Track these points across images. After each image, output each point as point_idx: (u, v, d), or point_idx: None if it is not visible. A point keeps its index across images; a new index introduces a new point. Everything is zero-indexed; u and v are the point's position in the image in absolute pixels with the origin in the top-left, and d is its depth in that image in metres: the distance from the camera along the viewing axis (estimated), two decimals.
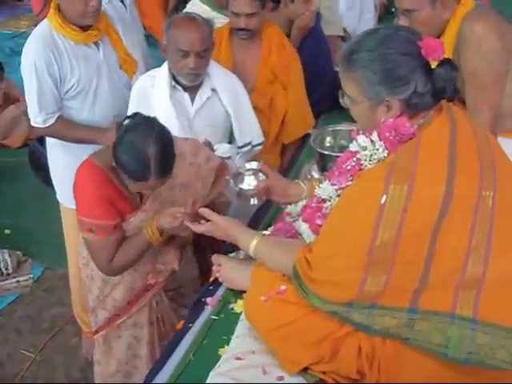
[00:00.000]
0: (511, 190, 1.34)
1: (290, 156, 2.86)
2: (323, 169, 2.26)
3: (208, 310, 1.76)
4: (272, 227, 1.91)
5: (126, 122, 1.79)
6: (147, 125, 1.77)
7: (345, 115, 2.69)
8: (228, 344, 1.61)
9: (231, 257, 1.88)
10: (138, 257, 1.92)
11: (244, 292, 1.68)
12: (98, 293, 2.09)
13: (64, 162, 2.54)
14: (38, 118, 2.43)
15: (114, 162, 1.76)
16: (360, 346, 1.38)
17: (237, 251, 1.90)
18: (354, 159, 1.44)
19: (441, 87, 1.32)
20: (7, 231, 3.68)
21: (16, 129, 4.62)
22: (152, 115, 2.29)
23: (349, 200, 1.37)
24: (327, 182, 1.54)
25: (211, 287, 1.85)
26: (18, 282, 3.26)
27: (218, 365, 1.54)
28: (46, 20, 2.42)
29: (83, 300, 2.45)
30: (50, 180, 2.69)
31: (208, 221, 1.71)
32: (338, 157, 1.57)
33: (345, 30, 3.67)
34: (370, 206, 1.27)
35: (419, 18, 2.01)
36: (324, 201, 1.54)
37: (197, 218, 1.76)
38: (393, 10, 4.35)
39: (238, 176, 1.90)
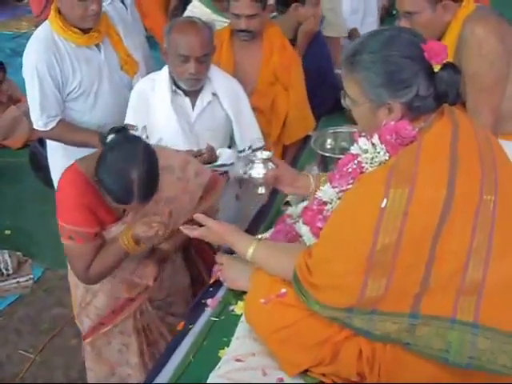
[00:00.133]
0: None
1: (290, 157, 2.86)
2: (324, 171, 2.26)
3: (208, 311, 1.76)
4: (272, 229, 1.91)
5: (110, 137, 1.74)
6: (131, 145, 1.71)
7: (345, 117, 2.73)
8: (228, 346, 1.61)
9: (233, 256, 1.88)
10: (116, 264, 1.88)
11: (244, 293, 1.68)
12: (81, 300, 2.09)
13: (64, 163, 2.50)
14: (39, 121, 2.43)
15: (95, 178, 1.71)
16: (360, 348, 1.38)
17: None
18: (355, 162, 1.43)
19: (443, 91, 1.31)
20: (7, 232, 3.68)
21: (17, 129, 4.62)
22: (151, 118, 2.29)
23: (349, 203, 1.37)
24: (328, 184, 1.54)
25: (211, 289, 1.85)
26: (18, 282, 3.25)
27: (217, 366, 1.54)
28: (46, 22, 2.42)
29: None
30: (51, 181, 2.69)
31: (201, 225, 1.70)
32: (338, 159, 1.57)
33: (355, 30, 3.68)
34: (371, 209, 1.27)
35: (420, 21, 2.01)
36: (325, 203, 1.54)
37: (189, 224, 1.75)
38: (394, 12, 4.35)
39: (248, 164, 1.92)
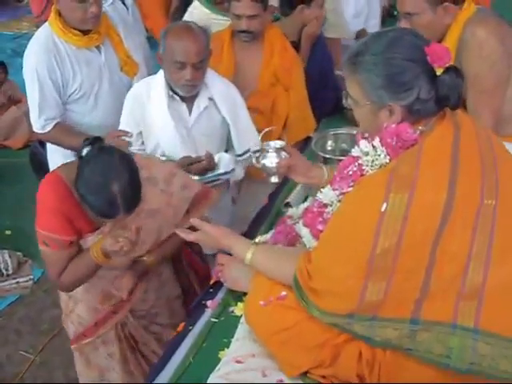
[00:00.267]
0: None
1: None
2: None
3: (208, 312, 1.76)
4: (273, 230, 1.91)
5: (86, 149, 1.69)
6: (107, 156, 1.66)
7: (346, 119, 2.73)
8: (228, 347, 1.61)
9: (234, 257, 1.87)
10: (88, 274, 1.84)
11: (244, 295, 1.68)
12: (64, 306, 2.09)
13: None
14: (37, 123, 2.44)
15: (76, 193, 1.68)
16: (360, 351, 1.38)
17: None
18: (356, 164, 1.43)
19: (444, 94, 1.31)
20: (8, 232, 3.67)
21: (17, 130, 4.61)
22: (147, 123, 2.27)
23: (349, 207, 1.37)
24: (329, 186, 1.54)
25: (211, 290, 1.84)
26: (18, 283, 3.26)
27: (217, 368, 1.54)
28: (46, 24, 2.42)
29: None
30: None
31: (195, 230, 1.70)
32: (339, 160, 1.57)
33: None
34: (371, 213, 1.27)
35: (420, 22, 2.01)
36: (325, 206, 1.54)
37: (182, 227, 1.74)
38: (395, 13, 4.35)
39: (261, 153, 1.93)
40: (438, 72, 1.30)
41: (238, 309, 1.73)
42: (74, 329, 2.07)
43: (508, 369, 1.26)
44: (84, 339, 2.02)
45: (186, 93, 2.26)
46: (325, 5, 3.04)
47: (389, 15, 4.52)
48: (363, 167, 1.41)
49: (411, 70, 1.31)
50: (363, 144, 1.42)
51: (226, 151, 2.46)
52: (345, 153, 2.15)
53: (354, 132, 2.29)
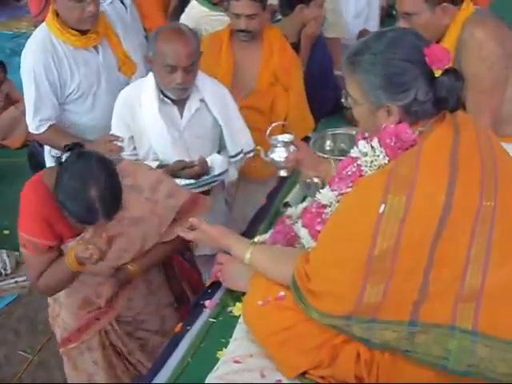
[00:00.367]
0: None
1: None
2: None
3: (206, 312, 1.76)
4: (272, 230, 1.91)
5: (65, 155, 1.68)
6: (85, 162, 1.64)
7: (344, 119, 2.73)
8: (226, 347, 1.61)
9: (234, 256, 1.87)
10: (65, 279, 1.82)
11: (243, 295, 1.68)
12: (51, 310, 2.08)
13: None
14: (31, 124, 2.44)
15: (56, 199, 1.66)
16: (358, 351, 1.37)
17: None
18: (355, 165, 1.43)
19: (443, 96, 1.30)
20: (6, 232, 3.67)
21: (16, 129, 4.62)
22: (139, 127, 2.24)
23: (347, 208, 1.37)
24: (327, 187, 1.53)
25: (209, 290, 1.84)
26: (16, 282, 3.25)
27: (215, 368, 1.54)
28: (44, 24, 2.41)
29: None
30: None
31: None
32: (337, 160, 1.57)
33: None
34: (369, 214, 1.27)
35: (419, 22, 2.02)
36: (324, 206, 1.53)
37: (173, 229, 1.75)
38: (393, 12, 4.35)
39: (270, 147, 1.93)
40: (437, 74, 1.30)
41: (237, 309, 1.73)
42: (60, 333, 2.06)
43: (505, 371, 1.26)
44: (69, 344, 2.00)
45: (176, 96, 2.24)
46: (324, 4, 3.03)
47: (387, 15, 4.52)
48: (362, 168, 1.41)
49: (410, 71, 1.31)
50: (362, 144, 1.42)
51: (219, 152, 2.44)
52: (343, 153, 2.15)
53: (353, 132, 2.30)
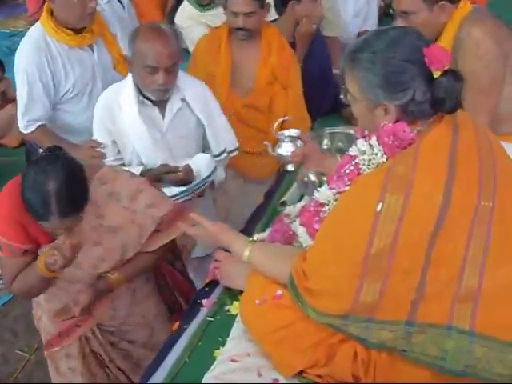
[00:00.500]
0: (511, 201, 1.32)
1: None
2: None
3: (204, 311, 1.75)
4: (270, 229, 1.90)
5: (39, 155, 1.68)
6: (50, 160, 1.64)
7: (342, 118, 2.73)
8: (223, 346, 1.61)
9: (232, 254, 1.86)
10: (37, 284, 1.80)
11: (240, 294, 1.68)
12: (35, 313, 2.07)
13: None
14: (20, 123, 2.44)
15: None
16: (356, 350, 1.37)
17: None
18: (353, 163, 1.43)
19: (440, 97, 1.29)
20: None
21: (13, 128, 4.58)
22: (119, 130, 2.20)
23: (344, 206, 1.36)
24: (325, 185, 1.53)
25: (207, 289, 1.84)
26: None
27: (212, 367, 1.54)
28: (38, 24, 2.40)
29: None
30: None
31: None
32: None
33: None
34: (366, 213, 1.26)
35: (416, 21, 2.01)
36: (322, 205, 1.53)
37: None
38: (391, 11, 4.35)
39: (276, 142, 1.95)
40: (436, 75, 1.29)
41: (234, 307, 1.73)
42: (44, 336, 2.05)
43: (502, 372, 1.26)
44: (51, 348, 1.99)
45: (157, 97, 2.18)
46: (322, 3, 3.02)
47: (385, 14, 4.52)
48: (360, 166, 1.41)
49: (408, 71, 1.30)
50: (360, 143, 1.42)
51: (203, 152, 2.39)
52: (341, 152, 2.15)
53: (351, 131, 2.29)
